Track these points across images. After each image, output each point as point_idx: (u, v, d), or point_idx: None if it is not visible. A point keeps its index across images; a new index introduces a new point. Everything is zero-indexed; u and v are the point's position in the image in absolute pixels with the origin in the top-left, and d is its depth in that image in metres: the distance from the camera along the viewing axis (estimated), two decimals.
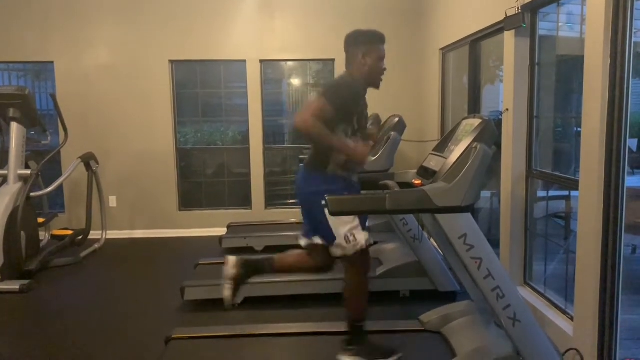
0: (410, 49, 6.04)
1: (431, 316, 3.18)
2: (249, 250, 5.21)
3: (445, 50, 5.28)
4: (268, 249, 5.14)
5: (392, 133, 4.41)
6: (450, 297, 3.80)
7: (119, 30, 5.97)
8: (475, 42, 4.51)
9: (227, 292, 2.77)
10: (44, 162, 5.02)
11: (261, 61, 6.14)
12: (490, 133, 2.50)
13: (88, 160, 5.43)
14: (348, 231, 2.63)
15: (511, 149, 3.59)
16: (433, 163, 2.73)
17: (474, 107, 4.59)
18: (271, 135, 6.47)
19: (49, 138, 5.39)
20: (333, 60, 6.05)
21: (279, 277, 3.26)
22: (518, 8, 3.36)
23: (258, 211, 6.28)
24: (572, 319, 2.94)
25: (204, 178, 6.49)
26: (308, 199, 2.72)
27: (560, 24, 3.47)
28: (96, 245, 5.52)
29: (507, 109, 3.62)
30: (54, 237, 5.50)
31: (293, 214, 6.14)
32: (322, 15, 6.01)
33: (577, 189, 2.77)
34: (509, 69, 3.60)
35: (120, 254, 5.52)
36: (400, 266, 3.97)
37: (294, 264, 2.92)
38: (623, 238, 2.47)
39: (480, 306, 3.00)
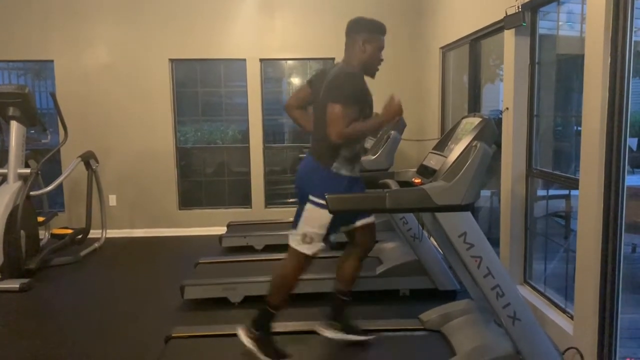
0: (410, 47, 6.04)
1: (431, 315, 3.18)
2: (249, 249, 5.21)
3: (445, 49, 5.28)
4: (268, 248, 5.14)
5: (392, 132, 4.40)
6: (450, 295, 3.80)
7: (119, 28, 5.97)
8: (475, 41, 4.50)
9: (264, 358, 2.76)
10: (44, 160, 5.01)
11: (261, 60, 6.14)
12: (490, 132, 2.50)
13: (88, 159, 5.43)
14: (310, 232, 2.70)
15: (511, 148, 3.59)
16: (433, 162, 2.73)
17: (474, 106, 4.58)
18: (271, 134, 6.47)
19: (49, 137, 5.40)
20: (333, 59, 6.04)
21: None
22: (518, 7, 3.36)
23: (258, 210, 6.28)
24: (572, 317, 2.94)
25: (203, 177, 6.49)
26: (304, 190, 2.74)
27: (560, 23, 3.47)
28: (96, 244, 5.52)
29: (507, 108, 3.61)
30: (53, 236, 5.51)
31: (293, 213, 6.06)
32: (322, 14, 6.01)
33: (577, 188, 2.77)
34: (509, 68, 3.60)
35: (120, 253, 5.53)
36: (400, 265, 3.97)
37: (284, 279, 2.86)
38: (623, 237, 2.47)
39: (480, 305, 3.00)
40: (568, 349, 2.73)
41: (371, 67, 2.77)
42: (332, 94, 2.58)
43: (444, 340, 2.96)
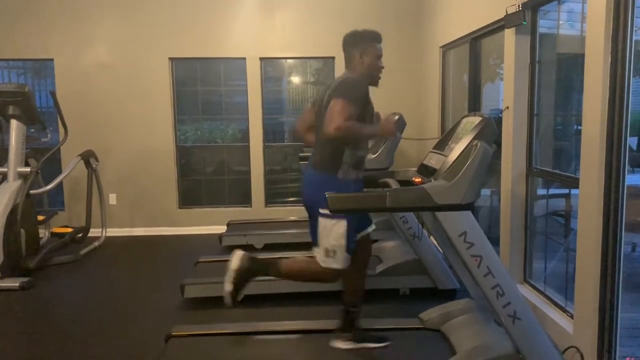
0: (411, 46, 6.04)
1: (431, 314, 3.18)
2: (249, 248, 5.21)
3: (446, 48, 5.27)
4: (268, 247, 5.14)
5: None
6: (450, 294, 3.80)
7: (119, 27, 5.97)
8: (475, 40, 4.50)
9: (227, 286, 2.75)
10: (44, 159, 5.01)
11: (261, 59, 6.13)
12: (491, 131, 2.50)
13: (88, 157, 5.43)
14: (332, 246, 2.66)
15: (511, 147, 3.59)
16: (433, 161, 2.73)
17: (474, 105, 4.58)
18: (271, 133, 6.47)
19: (49, 135, 5.39)
20: (333, 58, 6.05)
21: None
22: (518, 6, 3.35)
23: (258, 209, 6.28)
24: (572, 317, 2.94)
25: (203, 176, 6.49)
26: (313, 206, 2.72)
27: (560, 22, 3.47)
28: (96, 243, 5.52)
29: (508, 107, 3.61)
30: (53, 234, 5.51)
31: (293, 212, 6.15)
32: (322, 13, 6.01)
33: (577, 187, 2.77)
34: (509, 67, 3.60)
35: (120, 252, 5.53)
36: (400, 264, 3.97)
37: (301, 271, 2.87)
38: (623, 236, 2.47)
39: (480, 304, 3.00)
40: (568, 348, 2.73)
41: (373, 77, 2.79)
42: (337, 92, 2.58)
43: (443, 340, 2.97)
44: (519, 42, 3.50)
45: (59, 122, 5.32)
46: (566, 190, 3.64)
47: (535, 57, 3.47)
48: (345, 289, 3.01)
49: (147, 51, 5.99)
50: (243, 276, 2.79)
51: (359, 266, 2.96)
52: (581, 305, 2.72)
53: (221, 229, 5.66)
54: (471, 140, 2.41)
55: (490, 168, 3.23)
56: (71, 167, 5.26)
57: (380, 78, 2.83)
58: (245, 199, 6.38)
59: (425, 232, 3.81)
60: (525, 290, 3.55)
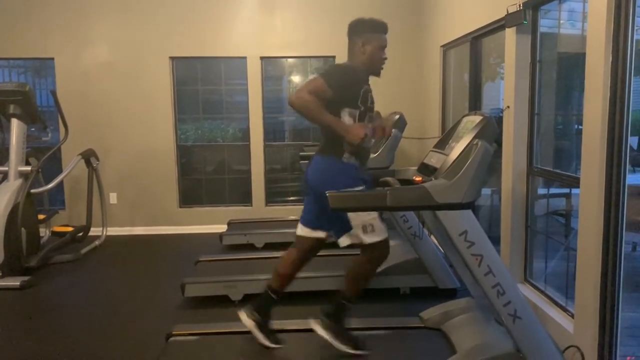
0: (411, 46, 6.03)
1: (431, 313, 3.18)
2: (250, 247, 5.21)
3: (446, 48, 5.27)
4: (268, 246, 5.15)
5: (393, 130, 4.40)
6: (450, 293, 3.80)
7: (119, 26, 5.97)
8: (476, 39, 4.50)
9: (262, 340, 2.86)
10: (45, 158, 5.01)
11: (261, 58, 6.13)
12: (491, 130, 2.49)
13: (88, 156, 5.44)
14: (367, 221, 2.66)
15: (512, 146, 3.59)
16: (434, 160, 2.73)
17: (475, 104, 4.58)
18: (271, 132, 6.47)
19: (50, 135, 5.39)
20: (334, 57, 6.04)
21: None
22: (519, 5, 3.35)
23: (258, 208, 6.29)
24: (572, 316, 2.94)
25: (204, 175, 6.49)
26: (320, 184, 2.70)
27: (561, 21, 3.47)
28: (96, 242, 5.53)
29: (508, 106, 3.61)
30: (54, 233, 5.51)
31: (293, 211, 6.14)
32: (323, 11, 6.01)
33: (578, 187, 2.77)
34: (510, 66, 3.59)
35: (121, 251, 5.53)
36: (401, 263, 3.97)
37: (290, 268, 2.93)
38: (624, 235, 2.46)
39: (480, 303, 3.00)
40: (568, 347, 2.73)
41: (374, 67, 2.79)
42: (323, 70, 2.62)
43: (444, 339, 2.97)
44: (519, 42, 3.49)
45: (60, 121, 5.33)
46: (567, 190, 3.64)
47: (536, 56, 3.47)
48: (349, 280, 2.87)
49: (148, 50, 5.99)
50: (262, 322, 2.90)
51: (375, 266, 2.85)
52: (582, 304, 2.72)
53: (222, 228, 5.66)
54: (472, 140, 2.40)
55: (491, 167, 3.22)
56: (72, 166, 5.27)
57: (382, 69, 2.82)
58: (245, 198, 6.38)
59: (425, 231, 3.81)
60: (525, 290, 3.55)
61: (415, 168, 2.99)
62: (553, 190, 3.72)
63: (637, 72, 2.45)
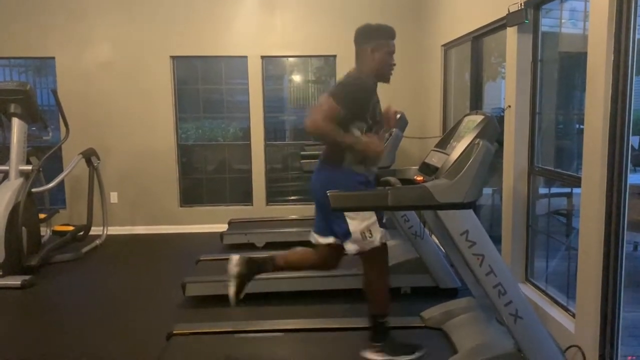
0: (412, 45, 6.02)
1: (432, 312, 3.18)
2: (250, 246, 5.21)
3: (447, 47, 5.26)
4: (269, 245, 5.14)
5: (394, 129, 4.40)
6: (451, 293, 3.80)
7: (120, 25, 5.97)
8: (477, 39, 4.49)
9: (231, 290, 2.82)
10: (45, 157, 5.02)
11: (262, 57, 6.13)
12: (493, 129, 2.49)
13: (89, 156, 5.43)
14: (365, 227, 2.65)
15: (513, 146, 3.58)
16: (435, 159, 2.73)
17: (476, 104, 4.57)
18: (272, 131, 6.47)
19: (50, 134, 5.39)
20: (334, 56, 6.04)
21: (281, 273, 3.26)
22: (521, 4, 3.35)
23: (259, 207, 6.28)
24: (573, 316, 2.94)
25: (205, 174, 6.49)
26: (323, 194, 2.70)
27: (563, 20, 3.46)
28: (97, 241, 5.53)
29: (510, 106, 3.61)
30: (55, 232, 5.52)
31: (294, 211, 6.15)
32: (324, 11, 6.00)
33: (579, 186, 2.76)
34: (511, 66, 3.59)
35: (122, 250, 5.53)
36: (402, 263, 3.96)
37: (299, 262, 2.94)
38: (625, 235, 2.46)
39: (481, 302, 3.00)
40: (570, 347, 2.72)
41: (383, 73, 2.77)
42: (332, 89, 2.60)
43: (445, 338, 2.96)
44: (521, 41, 3.49)
45: (60, 120, 5.33)
46: (568, 189, 3.64)
47: (537, 55, 3.46)
48: (370, 300, 2.84)
49: (149, 49, 5.99)
50: (243, 278, 2.86)
51: (380, 273, 2.83)
52: (583, 304, 2.72)
53: (222, 227, 5.66)
54: (473, 139, 2.40)
55: (492, 167, 3.22)
56: (72, 166, 5.27)
57: (391, 74, 2.81)
58: (246, 198, 6.38)
59: (426, 231, 3.80)
60: (527, 289, 3.54)
61: (417, 167, 2.99)
62: (554, 190, 3.72)
63: (639, 71, 2.44)
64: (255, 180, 6.28)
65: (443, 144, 2.81)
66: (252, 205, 6.32)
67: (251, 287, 3.79)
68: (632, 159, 2.47)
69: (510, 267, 3.58)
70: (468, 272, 2.68)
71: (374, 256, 2.73)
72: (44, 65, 6.29)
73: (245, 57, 6.09)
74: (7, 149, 4.83)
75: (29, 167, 4.79)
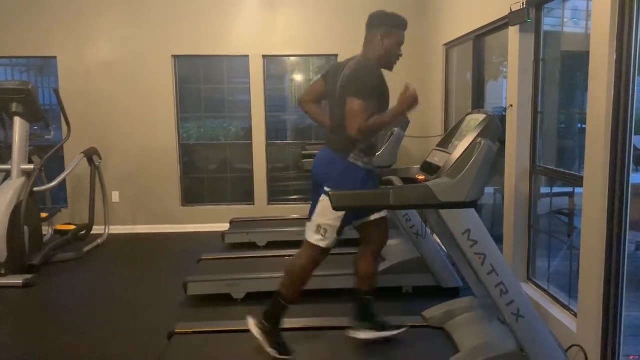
0: (414, 44, 5.99)
1: (434, 312, 3.18)
2: (252, 245, 5.21)
3: (449, 46, 5.26)
4: (270, 245, 5.14)
5: (396, 129, 4.39)
6: (453, 293, 3.79)
7: (122, 25, 5.97)
8: (479, 38, 4.49)
9: (270, 350, 2.76)
10: (47, 157, 5.02)
11: (264, 56, 6.13)
12: (495, 129, 2.49)
13: (91, 155, 5.44)
14: (325, 224, 2.66)
15: (515, 145, 3.58)
16: (437, 158, 2.73)
17: (478, 103, 4.57)
18: (274, 130, 6.46)
19: (52, 133, 5.40)
20: (336, 55, 6.04)
21: (282, 273, 3.26)
22: (523, 3, 3.34)
23: (261, 207, 6.29)
24: (575, 315, 2.94)
25: (206, 173, 6.49)
26: (320, 181, 2.72)
27: (565, 20, 3.46)
28: (99, 241, 5.53)
29: (511, 105, 3.60)
30: (57, 232, 5.53)
31: (296, 210, 6.15)
32: (325, 10, 6.00)
33: (581, 186, 2.76)
34: (513, 65, 3.59)
35: (123, 249, 5.53)
36: (403, 262, 3.97)
37: (297, 273, 2.84)
38: (627, 235, 2.46)
39: (483, 302, 3.00)
40: (572, 346, 2.72)
41: (389, 61, 2.78)
42: (351, 87, 2.58)
43: (447, 338, 2.96)
44: (523, 40, 3.49)
45: (62, 119, 5.33)
46: (570, 189, 3.63)
47: (539, 55, 3.46)
48: (358, 274, 2.97)
49: (151, 49, 5.99)
50: (272, 332, 2.80)
51: (373, 251, 2.95)
52: (585, 303, 2.71)
53: (224, 226, 5.66)
54: (475, 138, 2.40)
55: (494, 166, 3.22)
56: (74, 165, 5.27)
57: (395, 64, 2.82)
58: (248, 197, 6.38)
59: (428, 230, 3.80)
60: (528, 289, 3.54)
61: (418, 167, 2.99)
62: (556, 189, 3.71)
63: None
64: (256, 179, 6.28)
65: (445, 143, 2.81)
66: (253, 204, 6.32)
67: (253, 287, 3.82)
68: (634, 159, 2.47)
69: (512, 267, 3.58)
70: (470, 271, 2.68)
71: (312, 252, 2.74)
72: (46, 65, 6.29)
73: (247, 56, 6.09)
74: (9, 148, 4.84)
75: (31, 167, 4.80)
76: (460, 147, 2.44)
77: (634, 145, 2.46)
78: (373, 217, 2.87)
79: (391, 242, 4.40)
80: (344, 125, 2.59)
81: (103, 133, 5.99)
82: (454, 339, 2.90)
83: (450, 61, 5.33)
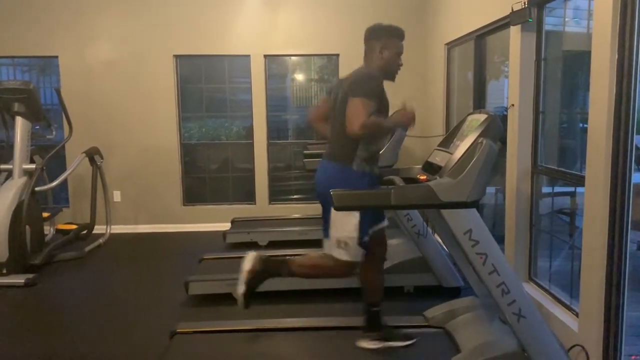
0: (415, 44, 6.01)
1: (435, 312, 3.18)
2: (253, 245, 5.21)
3: (451, 45, 5.26)
4: (272, 244, 5.15)
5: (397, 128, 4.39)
6: (454, 292, 3.79)
7: (123, 24, 5.97)
8: (480, 37, 4.48)
9: (240, 289, 2.74)
10: (49, 156, 5.03)
11: (265, 56, 6.13)
12: (496, 128, 2.49)
13: (92, 154, 5.44)
14: (344, 238, 2.63)
15: (516, 145, 3.57)
16: (438, 158, 2.73)
17: (479, 103, 4.57)
18: (275, 130, 6.47)
19: (54, 132, 5.41)
20: (337, 55, 6.04)
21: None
22: (524, 2, 3.34)
23: (262, 206, 6.29)
24: (577, 315, 2.93)
25: (208, 173, 6.50)
26: (327, 197, 2.66)
27: (566, 19, 3.45)
28: (100, 240, 5.54)
29: (513, 105, 3.60)
30: (58, 231, 5.53)
31: (297, 209, 6.15)
32: (327, 9, 6.00)
33: (582, 185, 2.76)
34: (514, 64, 3.58)
35: (125, 249, 5.54)
36: (405, 262, 3.97)
37: (315, 268, 2.83)
38: (629, 234, 2.46)
39: (484, 302, 3.00)
40: (573, 346, 2.72)
41: (390, 72, 2.82)
42: (352, 90, 2.59)
43: (448, 337, 2.96)
44: (524, 40, 3.48)
45: (64, 119, 5.33)
46: (571, 188, 3.63)
47: (540, 54, 3.45)
48: (364, 287, 3.00)
49: (152, 48, 5.99)
50: (256, 278, 2.76)
51: (376, 263, 2.96)
52: (586, 303, 2.71)
53: (225, 226, 5.67)
54: (476, 138, 2.40)
55: (495, 166, 3.21)
56: (76, 164, 5.28)
57: (397, 74, 2.85)
58: (249, 197, 6.38)
59: (429, 230, 3.80)
60: (530, 289, 3.54)
61: (420, 166, 2.99)
62: (558, 189, 3.71)
63: None
64: (258, 179, 6.29)
65: (446, 143, 2.81)
66: (255, 204, 6.33)
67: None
68: (636, 158, 2.47)
69: (514, 266, 3.58)
70: (471, 271, 2.68)
71: (337, 263, 2.69)
72: (48, 64, 6.29)
73: (248, 56, 6.09)
74: (10, 148, 4.84)
75: (33, 166, 4.80)
76: (461, 147, 2.44)
77: (636, 145, 2.46)
78: (373, 228, 2.85)
79: (393, 242, 4.41)
80: (344, 133, 2.59)
81: (104, 133, 5.99)
82: (455, 338, 2.89)
83: (451, 61, 5.32)
